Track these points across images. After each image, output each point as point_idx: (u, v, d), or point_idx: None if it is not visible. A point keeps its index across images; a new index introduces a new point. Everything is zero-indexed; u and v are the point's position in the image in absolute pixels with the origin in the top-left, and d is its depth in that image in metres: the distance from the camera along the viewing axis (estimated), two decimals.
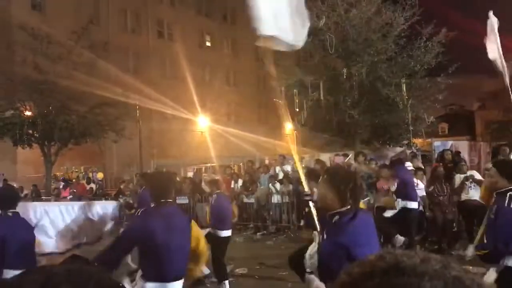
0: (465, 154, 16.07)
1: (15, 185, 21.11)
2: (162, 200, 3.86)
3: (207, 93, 33.88)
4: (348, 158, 13.11)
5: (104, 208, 7.73)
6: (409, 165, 9.71)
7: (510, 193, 3.86)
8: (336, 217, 2.85)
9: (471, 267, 7.51)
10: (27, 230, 4.75)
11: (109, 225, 7.75)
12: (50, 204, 9.58)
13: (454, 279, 0.59)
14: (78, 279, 0.66)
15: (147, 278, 3.62)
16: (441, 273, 0.59)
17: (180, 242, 3.78)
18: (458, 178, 9.46)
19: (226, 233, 7.28)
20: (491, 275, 3.83)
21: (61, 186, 19.53)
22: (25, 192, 19.25)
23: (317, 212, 3.29)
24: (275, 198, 13.24)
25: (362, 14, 17.17)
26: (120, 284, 0.71)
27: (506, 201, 3.83)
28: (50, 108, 17.48)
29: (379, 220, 8.88)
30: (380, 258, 0.63)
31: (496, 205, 3.90)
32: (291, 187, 12.75)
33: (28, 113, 17.67)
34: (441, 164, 10.64)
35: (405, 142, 18.17)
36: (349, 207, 2.84)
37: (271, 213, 13.40)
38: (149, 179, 4.64)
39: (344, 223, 2.81)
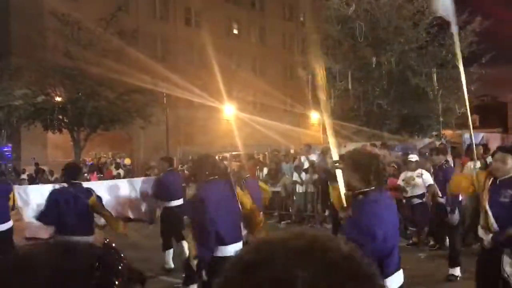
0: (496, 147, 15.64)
1: (45, 168, 21.70)
2: (211, 177, 4.57)
3: (234, 81, 33.87)
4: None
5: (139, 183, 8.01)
6: (412, 157, 9.47)
7: None
8: (361, 196, 2.97)
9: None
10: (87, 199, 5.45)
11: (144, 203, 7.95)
12: (94, 183, 9.84)
13: (313, 236, 0.70)
14: (76, 255, 0.69)
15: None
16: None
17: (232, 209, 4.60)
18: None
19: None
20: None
21: (86, 173, 19.84)
22: (55, 176, 19.70)
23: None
24: (300, 188, 13.17)
25: (393, 1, 16.81)
26: (120, 258, 0.72)
27: None
28: (80, 94, 17.78)
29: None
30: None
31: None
32: (316, 176, 12.66)
33: (58, 98, 18.02)
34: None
35: (435, 133, 17.80)
36: (373, 187, 2.95)
37: (295, 202, 13.36)
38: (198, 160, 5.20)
39: (367, 202, 2.95)
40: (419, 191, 8.81)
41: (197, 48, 35.47)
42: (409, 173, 9.01)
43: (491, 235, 4.15)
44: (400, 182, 9.17)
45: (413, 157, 9.35)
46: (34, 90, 17.53)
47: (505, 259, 4.03)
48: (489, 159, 10.90)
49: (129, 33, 19.02)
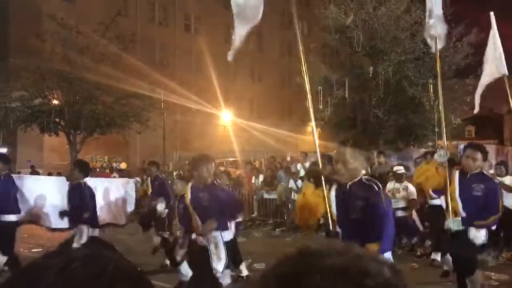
0: (492, 159, 15.72)
1: (41, 171, 21.64)
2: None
3: (231, 88, 33.98)
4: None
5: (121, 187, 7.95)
6: (399, 168, 9.38)
7: None
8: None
9: (492, 273, 7.38)
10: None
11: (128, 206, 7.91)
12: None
13: (354, 254, 0.66)
14: (96, 264, 0.67)
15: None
16: (342, 251, 0.67)
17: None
18: None
19: None
20: None
21: None
22: None
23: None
24: (296, 195, 13.19)
25: (391, 12, 16.94)
26: (139, 269, 0.71)
27: None
28: (77, 97, 17.79)
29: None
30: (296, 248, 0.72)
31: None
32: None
33: (55, 101, 18.02)
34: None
35: (430, 143, 17.88)
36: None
37: (290, 210, 13.38)
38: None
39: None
40: (403, 204, 8.73)
41: (196, 54, 35.59)
42: (396, 185, 8.93)
43: (459, 218, 4.76)
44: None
45: (400, 169, 9.17)
46: (31, 92, 17.54)
47: (471, 230, 4.78)
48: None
49: (128, 38, 19.08)
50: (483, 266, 8.28)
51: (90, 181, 6.83)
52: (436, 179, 5.20)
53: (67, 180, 6.49)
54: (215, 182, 5.37)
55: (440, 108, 5.52)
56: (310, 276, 0.62)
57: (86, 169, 6.41)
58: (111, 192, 7.69)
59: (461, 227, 4.75)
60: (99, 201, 7.14)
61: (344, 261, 0.64)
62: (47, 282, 0.65)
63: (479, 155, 4.79)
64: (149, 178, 9.33)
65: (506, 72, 6.66)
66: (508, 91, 6.63)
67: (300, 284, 0.62)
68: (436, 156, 5.08)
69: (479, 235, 4.74)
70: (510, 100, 6.65)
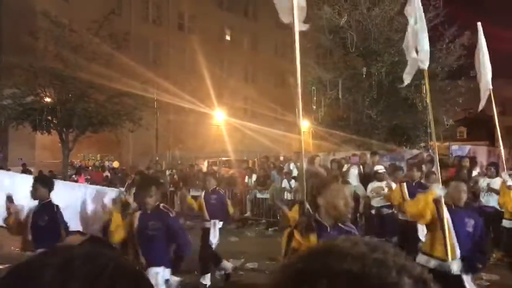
0: (483, 160, 15.83)
1: (32, 169, 21.50)
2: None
3: (225, 87, 33.95)
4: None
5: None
6: (379, 168, 9.65)
7: None
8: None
9: (483, 274, 7.44)
10: None
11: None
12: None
13: (375, 260, 0.63)
14: (96, 262, 0.67)
15: None
16: (364, 255, 0.64)
17: None
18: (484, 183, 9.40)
19: None
20: None
21: (74, 174, 19.69)
22: None
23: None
24: (289, 195, 13.21)
25: (385, 13, 16.99)
26: (138, 268, 0.71)
27: None
28: (70, 95, 17.69)
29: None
30: (323, 243, 0.72)
31: None
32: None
33: (48, 99, 17.90)
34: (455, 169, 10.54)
35: (422, 144, 17.97)
36: None
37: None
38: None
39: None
40: (385, 202, 8.95)
41: (189, 54, 35.51)
42: (377, 183, 9.22)
43: (455, 261, 4.36)
44: (368, 192, 9.36)
45: (381, 168, 9.58)
46: (23, 90, 17.40)
47: (465, 278, 4.39)
48: (475, 172, 11.06)
49: (121, 36, 18.99)
50: None
51: (66, 186, 6.64)
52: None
53: (32, 197, 5.47)
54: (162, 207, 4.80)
55: (429, 109, 5.43)
56: (324, 279, 0.61)
57: (50, 184, 5.58)
58: (87, 199, 7.26)
59: None
60: (75, 208, 6.83)
61: (362, 267, 0.62)
62: (45, 280, 0.64)
63: (464, 187, 4.62)
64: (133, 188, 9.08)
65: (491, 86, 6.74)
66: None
67: (316, 285, 0.61)
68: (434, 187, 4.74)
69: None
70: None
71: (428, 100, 5.53)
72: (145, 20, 35.23)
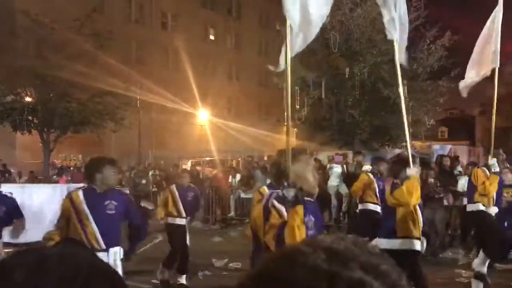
0: (463, 159, 16.09)
1: (13, 170, 21.17)
2: None
3: (209, 87, 33.85)
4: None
5: None
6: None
7: None
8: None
9: (463, 271, 7.56)
10: None
11: None
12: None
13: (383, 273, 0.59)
14: (71, 262, 0.66)
15: None
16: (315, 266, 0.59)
17: None
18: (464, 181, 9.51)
19: None
20: None
21: (55, 175, 19.44)
22: (24, 177, 19.26)
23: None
24: None
25: (367, 14, 17.12)
26: (113, 269, 0.70)
27: None
28: (51, 95, 17.46)
29: None
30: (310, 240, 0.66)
31: None
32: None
33: (28, 98, 17.65)
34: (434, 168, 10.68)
35: (404, 144, 18.16)
36: None
37: None
38: None
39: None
40: None
41: (172, 52, 35.33)
42: None
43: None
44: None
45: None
46: (3, 89, 17.14)
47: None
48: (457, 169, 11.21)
49: (104, 35, 18.81)
50: (454, 263, 8.48)
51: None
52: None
53: None
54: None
55: (402, 108, 5.49)
56: None
57: None
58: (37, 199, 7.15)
59: None
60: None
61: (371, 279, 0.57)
62: (18, 281, 0.62)
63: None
64: None
65: (498, 64, 6.58)
66: None
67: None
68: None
69: None
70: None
71: (402, 102, 5.64)
72: (128, 19, 34.94)
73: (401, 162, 5.32)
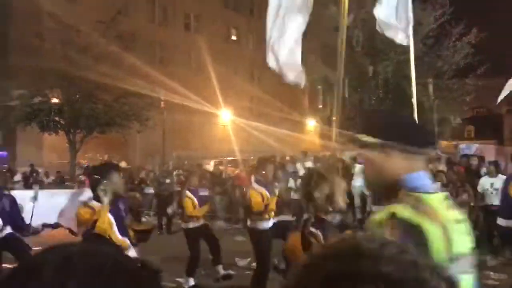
0: (491, 158, 15.72)
1: (40, 170, 21.63)
2: None
3: (231, 87, 33.95)
4: None
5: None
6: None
7: None
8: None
9: (492, 273, 7.39)
10: None
11: None
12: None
13: (410, 262, 0.61)
14: (95, 260, 0.66)
15: None
16: (397, 257, 0.61)
17: None
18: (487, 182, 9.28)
19: None
20: None
21: (81, 176, 19.71)
22: (51, 177, 19.65)
23: None
24: (295, 195, 13.17)
25: None
26: (138, 265, 0.70)
27: None
28: (77, 96, 17.78)
29: None
30: (342, 241, 0.66)
31: None
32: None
33: (55, 100, 18.00)
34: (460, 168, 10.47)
35: None
36: None
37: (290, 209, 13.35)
38: None
39: None
40: None
41: (195, 53, 35.53)
42: None
43: None
44: None
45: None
46: (31, 91, 17.52)
47: None
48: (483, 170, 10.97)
49: (128, 37, 19.07)
50: (482, 265, 8.30)
51: None
52: None
53: None
54: None
55: (414, 107, 5.38)
56: (361, 283, 0.58)
57: None
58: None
59: None
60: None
61: (399, 272, 0.59)
62: (44, 279, 0.63)
63: None
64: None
65: None
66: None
67: None
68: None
69: None
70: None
71: (414, 101, 5.50)
72: (151, 21, 35.32)
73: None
